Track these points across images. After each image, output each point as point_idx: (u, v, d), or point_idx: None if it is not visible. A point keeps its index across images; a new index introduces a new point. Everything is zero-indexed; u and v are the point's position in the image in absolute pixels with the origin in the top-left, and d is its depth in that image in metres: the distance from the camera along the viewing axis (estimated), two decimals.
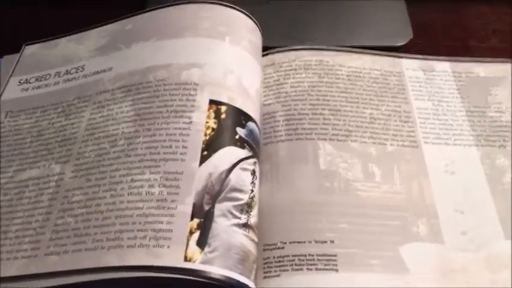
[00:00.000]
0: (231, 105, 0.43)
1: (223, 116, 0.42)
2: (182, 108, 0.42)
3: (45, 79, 0.51)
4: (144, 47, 0.49)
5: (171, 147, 0.40)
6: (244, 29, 0.49)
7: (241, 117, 0.43)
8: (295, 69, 0.52)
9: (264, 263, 0.40)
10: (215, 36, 0.47)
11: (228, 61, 0.46)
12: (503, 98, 0.51)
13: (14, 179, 0.43)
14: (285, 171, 0.45)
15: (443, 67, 0.54)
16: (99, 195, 0.39)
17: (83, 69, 0.50)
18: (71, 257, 0.37)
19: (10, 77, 0.52)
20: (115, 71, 0.48)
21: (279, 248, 0.41)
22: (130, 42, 0.50)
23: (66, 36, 0.55)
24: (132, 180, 0.39)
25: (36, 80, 0.51)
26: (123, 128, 0.43)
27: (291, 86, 0.51)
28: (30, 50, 0.55)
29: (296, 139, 0.47)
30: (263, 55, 0.53)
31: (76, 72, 0.50)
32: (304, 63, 0.52)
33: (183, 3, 0.51)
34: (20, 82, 0.51)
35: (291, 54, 0.53)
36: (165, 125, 0.42)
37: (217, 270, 0.35)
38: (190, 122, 0.41)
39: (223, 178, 0.39)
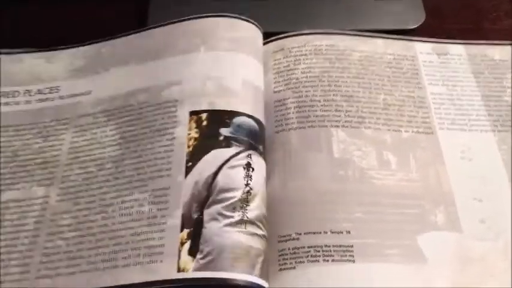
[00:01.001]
0: (211, 110, 0.44)
1: (204, 123, 0.43)
2: (165, 126, 0.44)
3: (13, 96, 0.49)
4: (123, 71, 0.49)
5: (156, 165, 0.42)
6: (221, 31, 0.49)
7: (224, 117, 0.43)
8: (306, 55, 0.51)
9: (279, 255, 0.39)
10: (191, 50, 0.48)
11: (204, 70, 0.47)
12: None
13: None
14: (297, 159, 0.44)
15: (457, 50, 0.52)
16: (90, 218, 0.40)
17: (58, 90, 0.49)
18: (66, 279, 0.38)
19: None
20: (94, 95, 0.48)
21: (293, 239, 0.40)
22: (108, 66, 0.50)
23: (31, 52, 0.52)
24: (122, 202, 0.40)
25: (3, 96, 0.49)
26: (109, 151, 0.44)
27: (301, 72, 0.49)
28: None
29: (308, 126, 0.45)
30: (271, 40, 0.52)
31: (50, 92, 0.49)
32: (314, 48, 0.51)
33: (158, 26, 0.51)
34: None
35: (301, 39, 0.52)
36: (150, 144, 0.43)
37: (210, 275, 0.36)
38: (173, 138, 0.43)
39: (210, 182, 0.40)
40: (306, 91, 0.48)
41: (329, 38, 0.52)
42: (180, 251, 0.37)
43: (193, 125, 0.43)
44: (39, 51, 0.53)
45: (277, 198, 0.42)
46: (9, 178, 0.43)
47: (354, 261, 0.38)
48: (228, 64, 0.47)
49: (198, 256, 0.36)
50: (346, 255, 0.39)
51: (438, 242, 0.40)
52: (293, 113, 0.46)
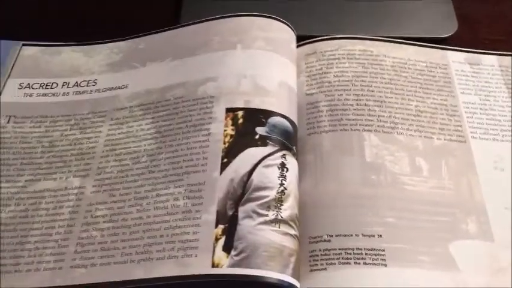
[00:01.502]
0: (247, 108, 0.44)
1: (240, 121, 0.43)
2: (200, 122, 0.44)
3: (51, 87, 0.50)
4: (160, 66, 0.50)
5: (192, 160, 0.42)
6: (257, 31, 0.49)
7: (259, 116, 0.44)
8: (339, 59, 0.51)
9: (310, 256, 0.39)
10: (227, 48, 0.49)
11: (240, 68, 0.47)
12: None
13: (27, 189, 0.43)
14: (329, 162, 0.44)
15: (490, 61, 0.52)
16: (125, 211, 0.40)
17: (95, 83, 0.50)
18: (100, 270, 0.38)
19: (8, 77, 0.50)
20: (131, 89, 0.49)
21: (325, 240, 0.40)
22: (145, 61, 0.51)
23: (70, 45, 0.54)
24: (157, 195, 0.41)
25: (41, 86, 0.50)
26: (144, 145, 0.44)
27: (334, 76, 0.49)
28: (29, 52, 0.53)
29: (341, 130, 0.45)
30: (304, 43, 0.53)
31: (87, 85, 0.50)
32: (347, 52, 0.51)
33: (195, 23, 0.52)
34: (21, 86, 0.50)
35: (334, 43, 0.52)
36: (186, 139, 0.43)
37: (244, 272, 0.36)
38: (209, 134, 0.43)
39: (245, 181, 0.40)
40: (338, 95, 0.48)
41: (362, 43, 0.52)
42: (214, 247, 0.37)
43: (230, 122, 0.43)
44: (78, 44, 0.53)
45: (309, 200, 0.42)
46: (46, 168, 0.44)
47: (385, 265, 0.38)
48: (264, 63, 0.47)
49: (233, 253, 0.36)
50: (377, 259, 0.38)
51: (470, 251, 0.40)
52: (325, 116, 0.47)
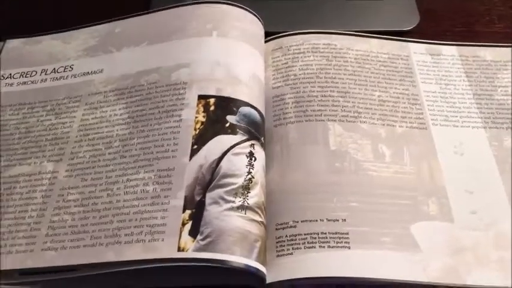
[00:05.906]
0: (219, 96, 0.45)
1: (211, 108, 0.44)
2: (173, 108, 0.45)
3: (31, 75, 0.51)
4: (135, 51, 0.51)
5: (163, 145, 0.42)
6: (232, 20, 0.50)
7: (230, 104, 0.44)
8: (303, 53, 0.52)
9: (277, 242, 0.40)
10: (202, 34, 0.49)
11: (214, 55, 0.48)
12: (510, 81, 0.51)
13: (3, 174, 0.44)
14: (295, 152, 0.45)
15: (450, 51, 0.54)
16: (95, 195, 0.41)
17: (72, 68, 0.51)
18: (70, 252, 0.38)
19: None
20: (106, 74, 0.50)
21: (291, 226, 0.41)
22: (121, 46, 0.52)
23: (49, 34, 0.55)
24: (127, 180, 0.41)
25: (21, 75, 0.51)
26: (117, 130, 0.45)
27: (299, 69, 0.51)
28: (12, 45, 0.55)
29: (306, 121, 0.47)
30: (271, 39, 0.54)
31: (64, 71, 0.51)
32: (312, 46, 0.53)
33: (172, 7, 0.53)
34: (3, 77, 0.51)
35: (299, 38, 0.54)
36: (157, 125, 0.44)
37: (209, 256, 0.36)
38: (180, 120, 0.43)
39: (214, 167, 0.41)
40: (303, 87, 0.49)
41: (326, 37, 0.54)
42: (181, 231, 0.37)
43: (201, 108, 0.44)
44: (57, 32, 0.55)
45: (276, 189, 0.43)
46: (21, 153, 0.45)
47: (349, 248, 0.40)
48: (238, 53, 0.48)
49: (199, 237, 0.37)
50: (341, 242, 0.40)
51: (430, 231, 0.41)
52: (291, 107, 0.48)
